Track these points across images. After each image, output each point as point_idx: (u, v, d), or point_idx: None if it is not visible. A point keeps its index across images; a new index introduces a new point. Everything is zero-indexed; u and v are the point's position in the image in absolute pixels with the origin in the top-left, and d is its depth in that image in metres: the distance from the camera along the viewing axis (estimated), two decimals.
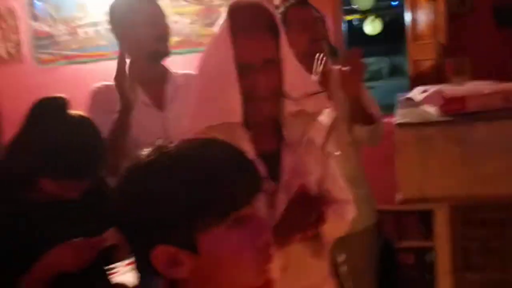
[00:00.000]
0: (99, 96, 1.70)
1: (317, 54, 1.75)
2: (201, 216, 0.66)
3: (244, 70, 1.09)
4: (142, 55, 1.65)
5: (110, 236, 1.11)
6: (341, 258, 1.95)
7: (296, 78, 1.15)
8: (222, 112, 1.09)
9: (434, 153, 1.19)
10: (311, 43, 1.82)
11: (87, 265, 1.09)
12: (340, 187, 1.27)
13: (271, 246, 0.71)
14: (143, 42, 1.65)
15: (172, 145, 0.70)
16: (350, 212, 1.27)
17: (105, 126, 1.40)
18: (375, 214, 2.04)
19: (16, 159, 1.14)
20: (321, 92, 1.17)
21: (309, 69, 1.75)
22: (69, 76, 3.44)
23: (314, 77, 1.70)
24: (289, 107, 1.16)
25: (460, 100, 1.20)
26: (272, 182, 1.14)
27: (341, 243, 1.65)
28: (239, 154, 0.71)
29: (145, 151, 0.70)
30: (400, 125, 1.21)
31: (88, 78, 3.49)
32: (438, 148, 1.18)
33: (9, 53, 3.56)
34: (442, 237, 1.30)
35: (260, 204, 0.96)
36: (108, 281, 1.31)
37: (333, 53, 1.99)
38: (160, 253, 0.66)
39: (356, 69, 1.64)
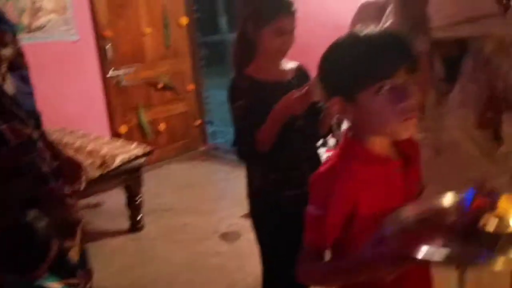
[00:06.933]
0: (362, 9, 2.05)
1: None
2: (361, 78, 0.96)
3: None
4: None
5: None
6: None
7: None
8: None
9: None
10: None
11: (304, 109, 1.56)
12: None
13: (412, 110, 0.96)
14: None
15: (361, 29, 0.99)
16: None
17: None
18: None
19: None
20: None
21: None
22: None
23: None
24: None
25: None
26: None
27: None
28: (396, 38, 0.98)
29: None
30: None
31: None
32: None
33: None
34: None
35: None
36: (317, 129, 1.76)
37: None
38: (336, 101, 1.03)
39: None
